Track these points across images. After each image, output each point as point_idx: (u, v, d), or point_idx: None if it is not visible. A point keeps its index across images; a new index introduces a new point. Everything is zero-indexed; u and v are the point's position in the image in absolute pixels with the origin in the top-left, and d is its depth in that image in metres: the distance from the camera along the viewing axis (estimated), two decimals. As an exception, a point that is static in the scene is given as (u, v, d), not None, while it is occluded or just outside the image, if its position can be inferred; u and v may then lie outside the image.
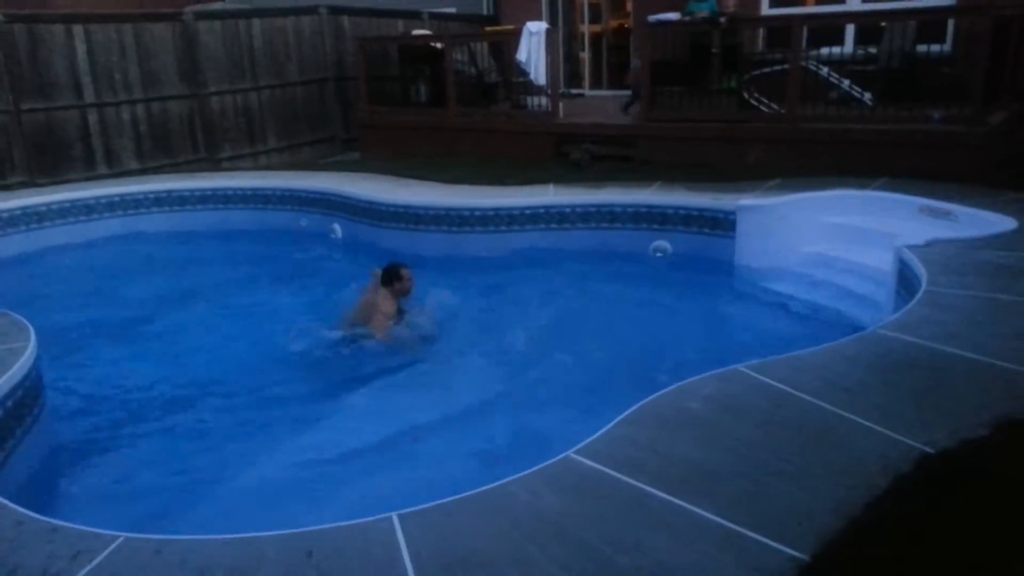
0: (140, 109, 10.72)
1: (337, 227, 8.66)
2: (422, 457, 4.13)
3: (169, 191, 9.28)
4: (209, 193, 9.30)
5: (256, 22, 11.88)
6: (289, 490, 3.87)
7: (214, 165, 11.30)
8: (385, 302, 5.78)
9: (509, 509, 2.74)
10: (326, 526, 2.63)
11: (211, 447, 4.46)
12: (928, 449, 2.95)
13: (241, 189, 9.32)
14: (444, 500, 2.77)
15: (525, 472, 2.96)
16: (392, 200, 8.14)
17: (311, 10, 12.55)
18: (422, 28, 13.43)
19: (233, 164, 11.49)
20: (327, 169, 10.29)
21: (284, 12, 12.31)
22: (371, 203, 8.26)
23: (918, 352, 3.79)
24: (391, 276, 5.86)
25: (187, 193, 9.29)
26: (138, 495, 4.02)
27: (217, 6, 16.06)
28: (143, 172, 10.54)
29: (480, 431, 4.41)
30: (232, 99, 11.71)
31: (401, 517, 2.69)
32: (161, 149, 10.97)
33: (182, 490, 3.99)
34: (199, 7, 13.24)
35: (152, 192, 9.24)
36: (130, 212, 9.12)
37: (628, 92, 11.11)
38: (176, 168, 10.84)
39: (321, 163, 11.49)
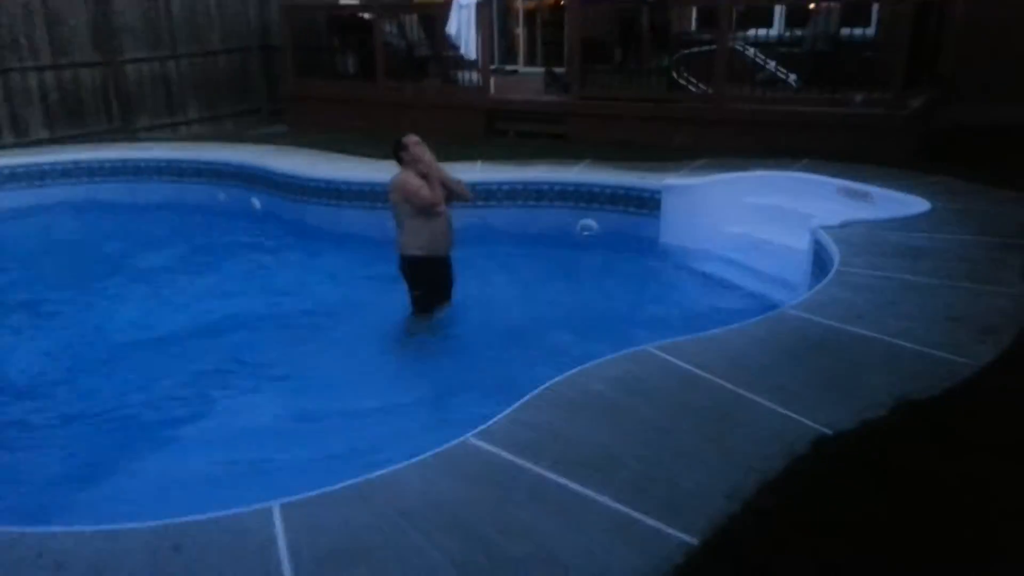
0: (49, 76, 10.13)
1: (256, 202, 8.35)
2: (314, 442, 3.97)
3: (76, 162, 8.79)
4: (120, 164, 8.84)
5: (175, -13, 11.33)
6: (168, 479, 3.67)
7: (130, 136, 10.78)
8: (402, 182, 4.97)
9: (399, 497, 2.62)
10: (198, 517, 2.48)
11: (90, 434, 4.21)
12: (826, 430, 2.94)
13: (155, 160, 8.88)
14: (331, 488, 2.64)
15: (419, 457, 2.84)
16: (314, 174, 7.88)
17: (235, -25, 12.03)
18: (351, -2, 13.02)
19: (151, 135, 10.98)
20: (250, 142, 9.91)
21: (206, -23, 11.76)
22: (292, 177, 7.98)
23: (824, 332, 3.80)
24: (396, 149, 5.08)
25: (96, 164, 8.82)
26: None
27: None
28: (53, 142, 9.98)
29: (383, 413, 4.27)
30: (150, 67, 11.19)
31: (283, 507, 2.54)
32: (73, 118, 10.40)
33: (49, 480, 3.75)
34: (115, -31, 12.55)
35: (59, 163, 8.75)
36: (36, 183, 8.61)
37: (562, 70, 11.00)
38: (89, 139, 10.29)
39: (245, 135, 11.07)
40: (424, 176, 5.04)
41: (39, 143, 9.84)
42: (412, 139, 5.10)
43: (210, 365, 5.01)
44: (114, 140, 10.23)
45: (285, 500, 2.59)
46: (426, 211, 5.05)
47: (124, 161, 8.86)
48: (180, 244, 7.55)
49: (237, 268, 6.91)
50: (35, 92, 10.00)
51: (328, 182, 7.76)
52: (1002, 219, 5.52)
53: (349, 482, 2.69)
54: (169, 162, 8.89)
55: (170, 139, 10.83)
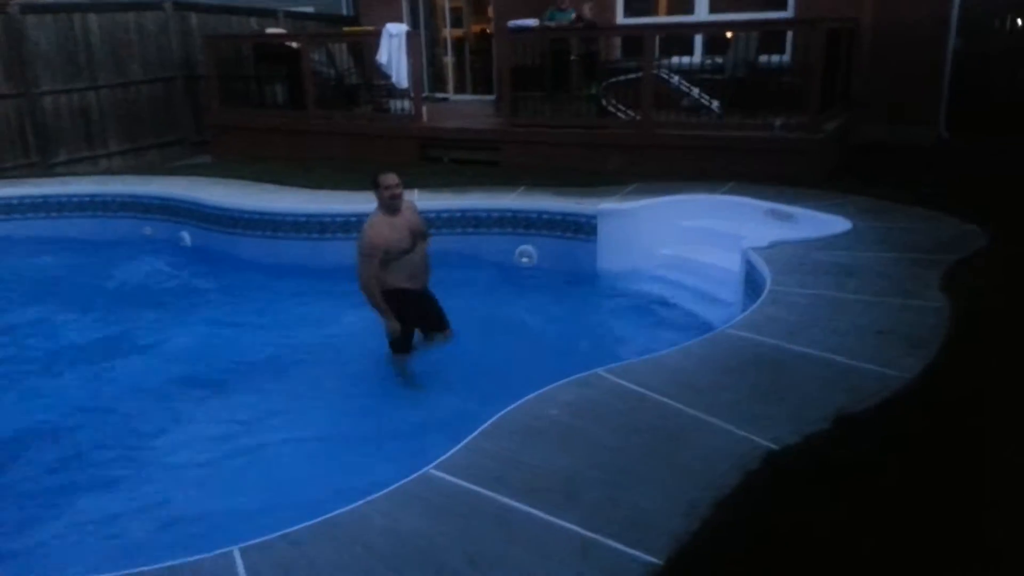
0: (-42, 109, 9.72)
1: (186, 235, 8.15)
2: (268, 483, 3.90)
3: (-8, 198, 8.43)
4: (40, 200, 8.52)
5: (93, 17, 11.03)
6: (120, 529, 3.54)
7: (48, 170, 10.40)
8: (370, 228, 4.78)
9: (364, 533, 2.61)
10: (158, 566, 2.41)
11: (31, 483, 4.03)
12: (773, 446, 3.07)
13: (76, 195, 8.59)
14: (291, 529, 2.61)
15: (381, 492, 2.84)
16: (247, 206, 7.75)
17: (155, 5, 11.79)
18: (277, 27, 12.93)
19: (70, 169, 10.60)
20: (175, 173, 9.68)
21: (125, 7, 11.48)
22: (224, 210, 7.83)
23: (763, 350, 3.96)
24: (372, 186, 4.88)
25: (15, 200, 8.47)
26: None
27: (49, -2, 14.83)
28: (-36, 178, 9.54)
29: (333, 451, 4.23)
30: (68, 98, 10.84)
31: (243, 551, 2.50)
32: (-15, 153, 9.98)
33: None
34: (27, -1, 12.15)
35: (-29, 200, 8.37)
36: (-52, 221, 8.22)
37: (492, 97, 11.17)
38: (3, 174, 9.88)
39: (169, 167, 10.81)
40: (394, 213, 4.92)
41: (-50, 179, 9.40)
42: (389, 179, 4.92)
43: (152, 406, 4.88)
44: (31, 175, 9.86)
45: (245, 544, 2.55)
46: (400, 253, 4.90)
47: (46, 197, 8.53)
48: (109, 282, 7.29)
49: (173, 306, 6.72)
50: (-56, 126, 9.58)
51: (262, 213, 7.65)
52: (918, 235, 5.85)
53: (311, 522, 2.66)
54: (92, 196, 8.60)
55: (91, 173, 10.48)
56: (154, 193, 8.48)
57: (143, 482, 4.03)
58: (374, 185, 4.94)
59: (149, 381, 5.26)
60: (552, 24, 9.91)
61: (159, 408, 4.88)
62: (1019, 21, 10.28)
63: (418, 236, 5.05)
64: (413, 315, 5.08)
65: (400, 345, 5.11)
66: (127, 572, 2.40)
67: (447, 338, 5.34)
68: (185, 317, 6.49)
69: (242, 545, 2.53)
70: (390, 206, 4.93)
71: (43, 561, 3.40)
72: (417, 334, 5.28)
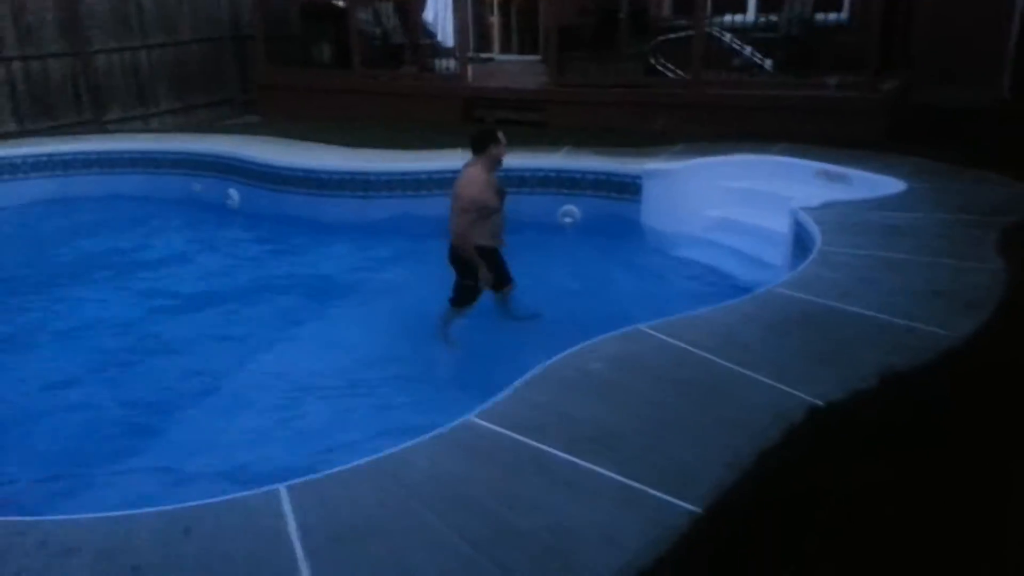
0: (16, 66, 9.91)
1: (234, 192, 8.27)
2: (317, 425, 3.99)
3: (50, 154, 8.62)
4: (94, 156, 8.70)
5: (145, -24, 11.14)
6: (172, 464, 3.66)
7: (100, 127, 10.60)
8: (477, 184, 4.72)
9: (406, 476, 2.65)
10: (206, 501, 2.49)
11: (91, 426, 4.19)
12: (818, 402, 3.02)
13: (128, 152, 8.75)
14: (337, 469, 2.66)
15: (424, 437, 2.87)
16: (293, 164, 7.82)
17: (205, -36, 11.86)
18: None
19: (121, 127, 10.80)
20: (223, 132, 9.80)
21: (175, -35, 11.57)
22: (270, 167, 7.91)
23: (811, 309, 3.89)
24: (487, 138, 4.81)
25: (69, 156, 8.66)
26: (7, 479, 3.74)
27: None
28: (22, 135, 9.78)
29: (383, 396, 4.30)
30: (120, 57, 10.98)
31: (290, 488, 2.56)
32: (41, 110, 10.19)
33: (56, 473, 3.73)
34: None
35: (30, 156, 8.56)
36: (6, 177, 8.44)
37: (537, 58, 11.06)
38: (58, 131, 10.09)
39: (218, 126, 10.95)
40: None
41: (7, 136, 9.63)
42: (503, 139, 4.89)
43: (203, 352, 5.02)
44: (85, 132, 10.07)
45: (292, 482, 2.61)
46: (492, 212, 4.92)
47: (99, 153, 8.72)
48: (161, 236, 7.47)
49: (222, 259, 6.86)
50: (2, 84, 9.79)
51: (307, 171, 7.71)
52: (975, 197, 5.66)
53: (355, 463, 2.72)
54: (143, 153, 8.76)
55: (142, 130, 10.67)
56: (203, 150, 8.60)
57: (194, 420, 4.17)
58: (493, 140, 4.85)
59: (198, 328, 5.40)
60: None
61: (209, 354, 5.02)
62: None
63: (502, 195, 5.08)
64: (494, 270, 5.08)
65: (471, 299, 5.10)
66: (176, 506, 2.48)
67: (510, 290, 5.31)
68: (234, 270, 6.62)
69: (288, 483, 2.59)
70: (497, 165, 4.96)
71: (95, 493, 3.53)
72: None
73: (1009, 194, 5.75)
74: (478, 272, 4.91)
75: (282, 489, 2.56)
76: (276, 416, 4.18)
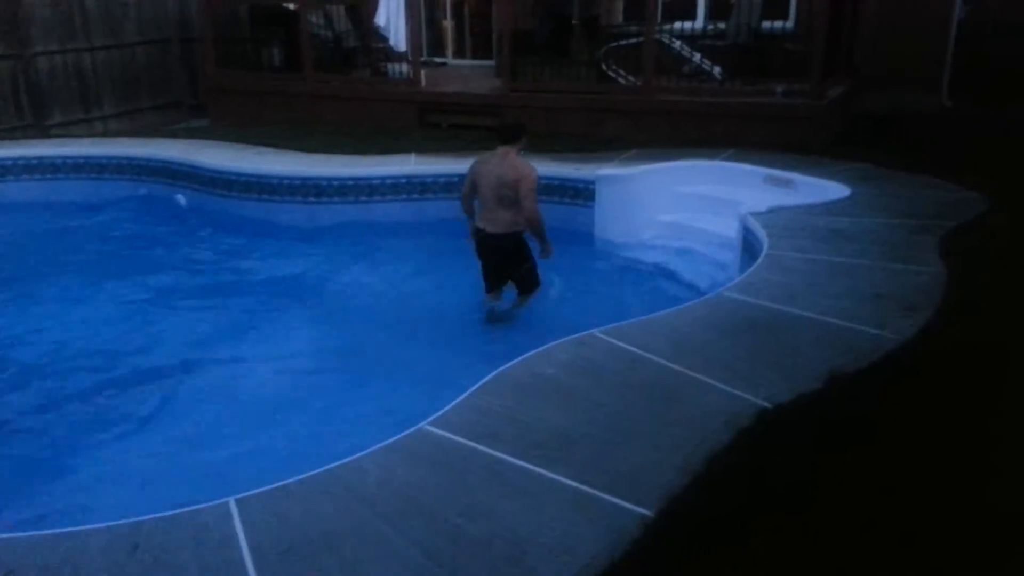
0: (-49, 69, 9.60)
1: (182, 198, 8.10)
2: (266, 437, 3.93)
3: (-13, 159, 8.36)
4: (35, 162, 8.44)
5: (88, -24, 10.86)
6: (118, 479, 3.57)
7: (42, 132, 10.30)
8: (526, 165, 5.05)
9: (359, 486, 2.63)
10: (155, 515, 2.43)
11: (31, 440, 4.06)
12: (767, 404, 3.08)
13: (72, 157, 8.51)
14: (287, 481, 2.63)
15: (377, 446, 2.85)
16: (243, 169, 7.70)
17: (151, -35, 11.61)
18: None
19: (65, 131, 10.50)
20: (171, 136, 9.60)
21: (120, -34, 11.31)
22: (220, 172, 7.77)
23: (759, 312, 3.96)
24: (520, 130, 5.18)
25: (9, 162, 8.39)
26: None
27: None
28: (-43, 139, 9.46)
29: (334, 406, 4.25)
30: (62, 59, 10.68)
31: (239, 501, 2.52)
32: (-21, 114, 9.89)
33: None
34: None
35: (-33, 161, 8.30)
36: (-60, 184, 8.16)
37: (491, 62, 11.08)
38: (-2, 135, 9.80)
39: (165, 130, 10.72)
40: None
41: (-58, 141, 9.31)
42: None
43: (154, 362, 4.90)
44: (25, 137, 9.77)
45: (242, 495, 2.57)
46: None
47: (40, 159, 8.47)
48: (105, 243, 7.27)
49: (170, 266, 6.71)
50: (-64, 86, 9.47)
51: (259, 176, 7.60)
52: (916, 202, 5.84)
53: (306, 474, 2.69)
54: (87, 159, 8.54)
55: (86, 135, 10.40)
56: (150, 155, 8.41)
57: (140, 432, 4.06)
58: (524, 131, 5.25)
59: (145, 337, 5.28)
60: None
61: (157, 363, 4.90)
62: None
63: None
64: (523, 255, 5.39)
65: (536, 279, 5.43)
66: (123, 521, 2.42)
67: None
68: (181, 276, 6.49)
69: (238, 496, 2.55)
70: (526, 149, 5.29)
71: (40, 510, 3.43)
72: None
73: (950, 198, 5.95)
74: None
75: (232, 502, 2.53)
76: (225, 425, 4.10)
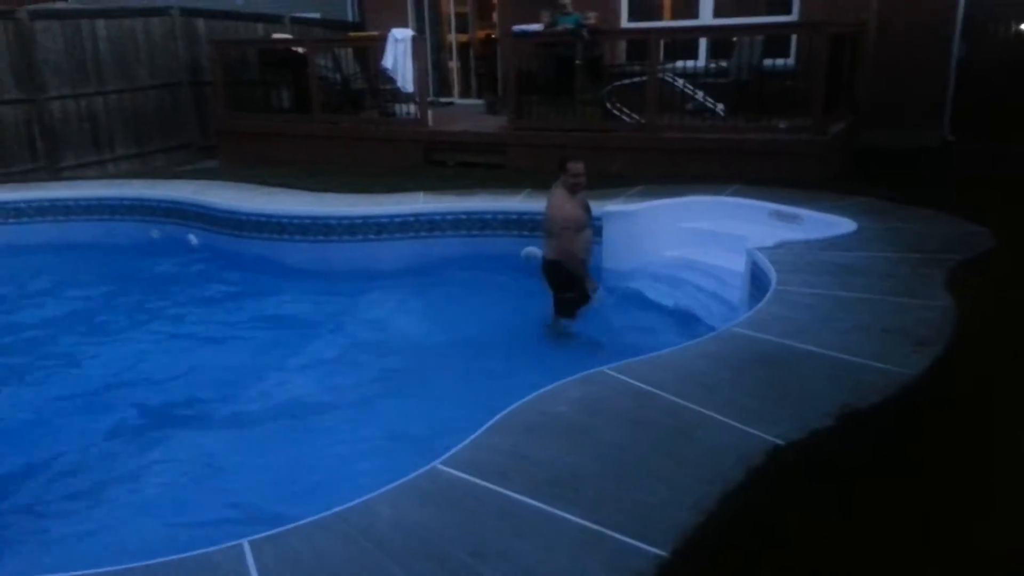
0: (-32, 114, 9.79)
1: (193, 239, 8.19)
2: (283, 475, 3.92)
3: (1, 203, 8.47)
4: (47, 204, 8.57)
5: (101, 23, 11.12)
6: (126, 522, 3.56)
7: (55, 174, 10.47)
8: (564, 202, 5.47)
9: (371, 527, 2.63)
10: (164, 559, 2.43)
11: (44, 482, 4.06)
12: (779, 441, 3.07)
13: (84, 199, 8.64)
14: (301, 522, 2.62)
15: (389, 487, 2.85)
16: (254, 209, 7.79)
17: (162, 11, 11.88)
18: (283, 33, 13.01)
19: (77, 173, 10.67)
20: (182, 178, 9.74)
21: (132, 13, 11.59)
22: (231, 212, 7.87)
23: (769, 348, 3.97)
24: (558, 166, 5.56)
25: (22, 204, 8.52)
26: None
27: (58, 5, 14.97)
28: (-28, 182, 9.60)
29: (344, 446, 4.25)
30: (75, 104, 10.91)
31: (253, 544, 2.52)
32: (-6, 157, 10.05)
33: (5, 531, 3.59)
34: (36, 6, 12.26)
35: (-17, 203, 8.42)
36: (-47, 226, 8.27)
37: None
38: (10, 178, 9.94)
39: (175, 171, 10.88)
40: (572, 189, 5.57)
41: (-43, 184, 9.45)
42: (576, 166, 5.53)
43: (167, 402, 4.91)
44: (38, 179, 9.93)
45: (255, 536, 2.56)
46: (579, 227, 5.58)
47: (53, 201, 8.59)
48: (118, 284, 7.34)
49: (181, 306, 6.76)
50: (-48, 131, 9.64)
51: (269, 216, 7.69)
52: (923, 236, 5.86)
53: (319, 515, 2.68)
54: (100, 200, 8.65)
55: (98, 177, 10.56)
56: (161, 196, 8.52)
57: (154, 474, 4.06)
58: (562, 169, 5.55)
59: (158, 377, 5.30)
60: (559, 28, 9.94)
61: (171, 403, 4.92)
62: (1022, 27, 10.29)
63: (588, 211, 5.78)
64: (581, 288, 5.76)
65: (574, 310, 5.81)
66: (134, 565, 2.42)
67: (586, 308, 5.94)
68: (191, 316, 6.54)
69: (252, 538, 2.55)
70: (575, 188, 5.57)
71: (47, 554, 3.42)
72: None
73: (956, 232, 5.97)
74: (582, 283, 5.66)
75: (245, 544, 2.52)
76: (239, 467, 4.10)
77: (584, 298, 5.77)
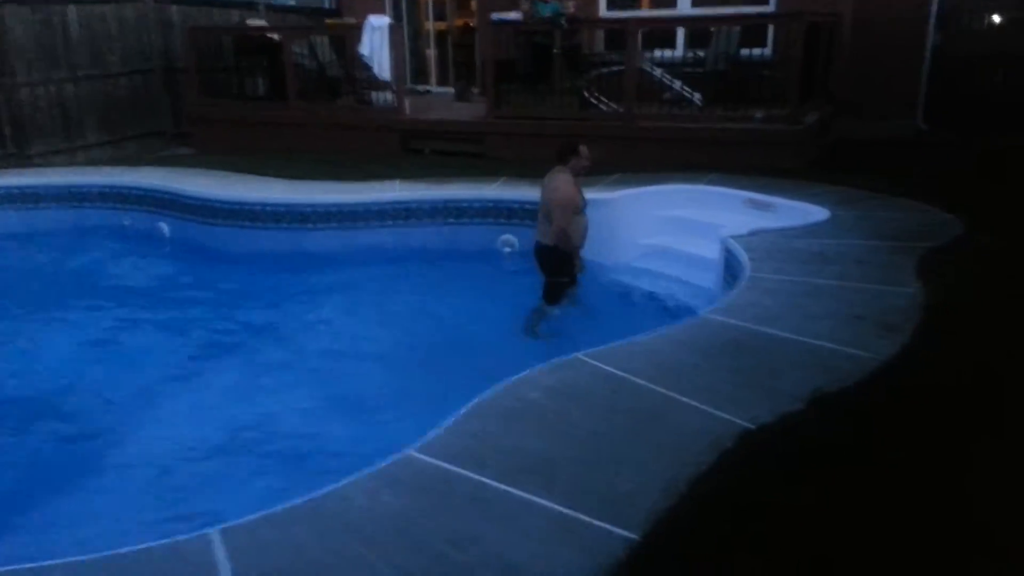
0: (-67, 100, 9.57)
1: (164, 226, 8.08)
2: (254, 464, 3.89)
3: (-31, 190, 8.32)
4: (16, 192, 8.41)
5: (72, 8, 10.88)
6: (97, 511, 3.52)
7: (24, 161, 10.26)
8: (566, 185, 5.53)
9: (345, 514, 2.62)
10: (136, 547, 2.40)
11: (4, 471, 3.99)
12: (750, 425, 3.10)
13: (54, 186, 8.50)
14: (272, 510, 2.61)
15: (362, 474, 2.84)
16: (227, 196, 7.70)
17: (135, -4, 11.67)
18: (258, 19, 12.84)
19: (47, 160, 10.46)
20: (154, 165, 9.60)
21: (104, -2, 11.36)
22: (204, 200, 7.77)
23: (742, 334, 4.00)
24: (568, 150, 5.66)
25: (-9, 191, 8.37)
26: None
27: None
28: (-63, 170, 9.40)
29: (319, 433, 4.23)
30: (45, 90, 10.67)
31: (224, 532, 2.49)
32: (-40, 145, 9.84)
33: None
34: (4, -10, 11.98)
35: (-52, 191, 8.25)
36: (-78, 214, 8.10)
37: (475, 90, 11.25)
38: (-21, 165, 9.75)
39: (148, 158, 10.71)
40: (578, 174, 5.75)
41: (-77, 171, 9.25)
42: (588, 151, 5.76)
43: (139, 390, 4.86)
44: (6, 166, 9.73)
45: (226, 525, 2.54)
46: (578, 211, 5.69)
47: (22, 188, 8.43)
48: (87, 273, 7.24)
49: (151, 294, 6.68)
50: (-83, 117, 9.43)
51: (242, 203, 7.60)
52: (895, 224, 5.92)
53: (291, 503, 2.67)
54: (70, 188, 8.51)
55: (68, 164, 10.38)
56: (132, 183, 8.40)
57: (123, 462, 4.01)
58: (572, 151, 5.70)
59: (129, 365, 5.24)
60: (538, 17, 9.90)
61: (142, 391, 4.86)
62: (995, 19, 10.41)
63: (583, 199, 5.83)
64: (572, 274, 5.92)
65: (561, 295, 5.89)
66: (103, 554, 2.39)
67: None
68: (162, 305, 6.46)
69: (222, 526, 2.53)
70: (581, 172, 5.76)
71: (13, 541, 3.37)
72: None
73: (927, 220, 6.04)
74: (573, 268, 5.80)
75: (215, 533, 2.50)
76: (209, 456, 4.06)
77: (574, 283, 5.87)
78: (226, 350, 5.63)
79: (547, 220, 5.65)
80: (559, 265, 5.77)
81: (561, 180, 5.60)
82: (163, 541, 2.46)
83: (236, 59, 11.59)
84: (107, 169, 9.29)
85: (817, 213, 6.23)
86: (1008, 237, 5.66)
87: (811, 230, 5.83)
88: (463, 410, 3.27)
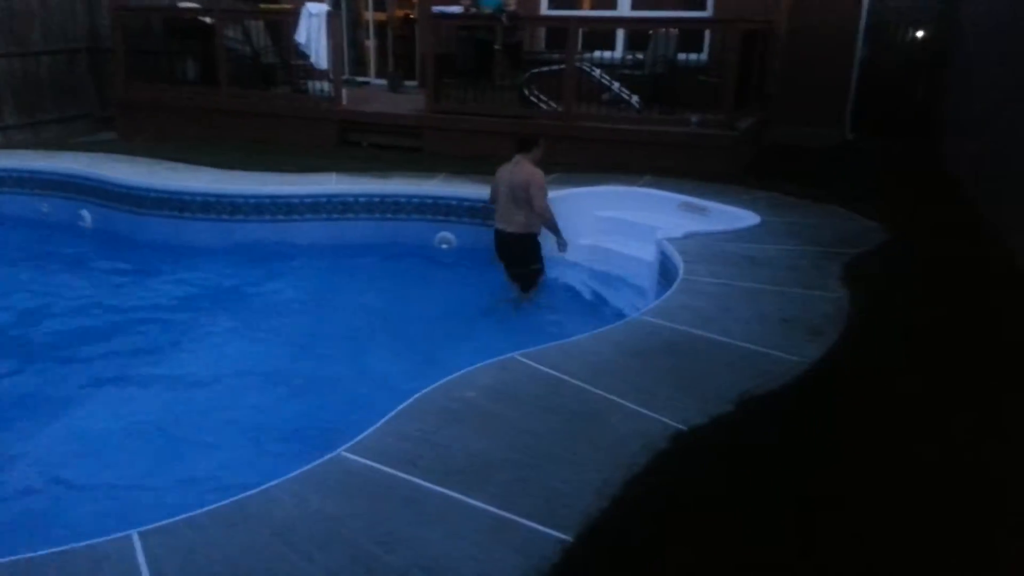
0: None
1: (86, 214, 7.76)
2: (176, 464, 3.76)
3: None
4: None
5: (-11, -20, 10.34)
6: (11, 511, 3.35)
7: (-66, 142, 9.73)
8: (536, 169, 5.84)
9: (271, 516, 2.55)
10: (51, 550, 2.29)
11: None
12: (682, 427, 3.15)
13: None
14: (194, 512, 2.52)
15: (291, 474, 2.77)
16: (154, 184, 7.43)
17: (58, -29, 11.14)
18: (190, 1, 12.42)
19: (-41, 141, 9.95)
20: (77, 149, 9.19)
21: (25, -29, 10.81)
22: (129, 188, 7.48)
23: (675, 336, 4.06)
24: (531, 140, 5.98)
25: None
26: None
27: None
28: None
29: (245, 433, 4.11)
30: (-42, 67, 10.13)
31: (143, 535, 2.40)
32: None
33: None
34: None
35: None
36: None
37: (415, 83, 11.12)
38: None
39: (71, 143, 10.25)
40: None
41: None
42: (543, 143, 6.11)
43: (56, 386, 4.65)
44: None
45: (145, 527, 2.45)
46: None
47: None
48: (4, 260, 6.88)
49: (71, 284, 6.40)
50: None
51: (170, 192, 7.35)
52: (823, 230, 6.11)
53: (215, 505, 2.59)
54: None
55: (-17, 146, 9.85)
56: (51, 168, 8.03)
57: (36, 461, 3.82)
58: (534, 142, 6.05)
59: (47, 360, 5.01)
60: (479, 11, 9.84)
61: (59, 387, 4.65)
62: (918, 34, 10.86)
63: None
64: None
65: (537, 280, 6.19)
66: (16, 557, 2.28)
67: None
68: (83, 295, 6.20)
69: (141, 529, 2.44)
70: (536, 164, 5.99)
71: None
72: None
73: (853, 227, 6.25)
74: (541, 256, 6.09)
75: (135, 535, 2.41)
76: (128, 455, 3.90)
77: (543, 270, 6.17)
78: (149, 344, 5.43)
79: (515, 207, 5.87)
80: (531, 253, 6.02)
81: (528, 166, 5.87)
82: (82, 543, 2.36)
83: (166, 41, 11.19)
84: (26, 152, 8.86)
85: (749, 218, 6.37)
86: (927, 243, 5.91)
87: (743, 234, 5.97)
88: (396, 410, 3.23)
